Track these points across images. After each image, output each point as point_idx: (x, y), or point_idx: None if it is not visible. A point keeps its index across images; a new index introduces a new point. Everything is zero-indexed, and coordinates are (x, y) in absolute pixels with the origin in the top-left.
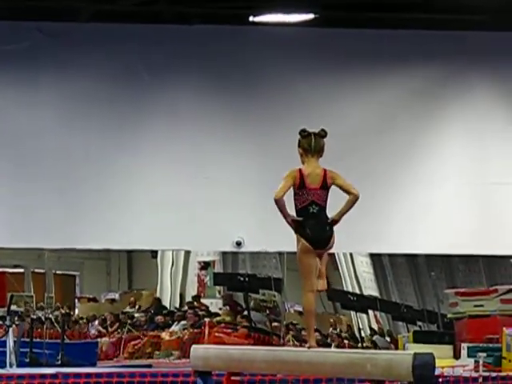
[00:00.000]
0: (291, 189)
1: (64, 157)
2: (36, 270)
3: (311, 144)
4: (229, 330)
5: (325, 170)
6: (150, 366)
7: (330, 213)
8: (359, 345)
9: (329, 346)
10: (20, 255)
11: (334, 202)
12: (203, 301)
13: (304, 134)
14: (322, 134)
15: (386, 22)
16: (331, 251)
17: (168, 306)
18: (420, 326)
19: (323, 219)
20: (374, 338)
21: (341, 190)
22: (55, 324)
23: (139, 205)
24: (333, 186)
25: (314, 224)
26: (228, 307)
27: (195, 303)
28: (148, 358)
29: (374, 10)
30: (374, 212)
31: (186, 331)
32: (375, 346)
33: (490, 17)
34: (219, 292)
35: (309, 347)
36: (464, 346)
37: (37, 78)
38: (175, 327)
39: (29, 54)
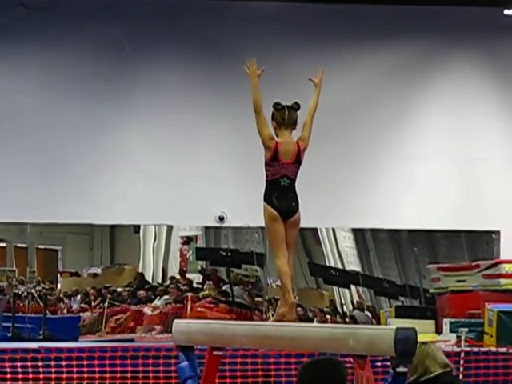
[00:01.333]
0: (263, 160)
1: (47, 131)
2: (18, 245)
3: (284, 117)
4: (211, 305)
5: (297, 144)
6: (132, 340)
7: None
8: (342, 320)
9: (311, 320)
10: (2, 230)
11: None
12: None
13: (278, 107)
14: (296, 107)
15: None
16: (310, 226)
17: (151, 280)
18: (402, 301)
19: (292, 193)
20: (354, 312)
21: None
22: (37, 299)
23: (122, 180)
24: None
25: (282, 196)
26: (211, 282)
27: (180, 278)
28: (130, 332)
29: None
30: (356, 187)
31: (168, 306)
32: (355, 320)
33: None
34: (201, 267)
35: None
36: (446, 321)
37: (19, 52)
38: (157, 302)
39: (11, 29)
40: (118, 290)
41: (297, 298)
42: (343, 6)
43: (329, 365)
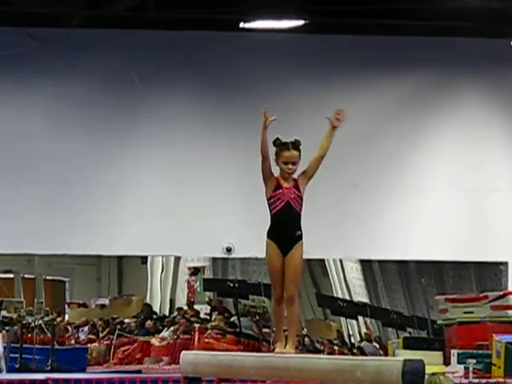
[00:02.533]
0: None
1: (55, 162)
2: (26, 276)
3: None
4: (218, 336)
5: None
6: (139, 371)
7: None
8: (349, 351)
9: (319, 352)
10: (10, 260)
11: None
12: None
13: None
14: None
15: (375, 28)
16: (318, 257)
17: (158, 311)
18: (410, 333)
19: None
20: (362, 344)
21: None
22: (45, 330)
23: (129, 211)
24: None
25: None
26: (217, 313)
27: (188, 309)
28: (138, 363)
29: (362, 16)
30: (364, 218)
31: (175, 337)
32: (362, 352)
33: (476, 23)
34: (209, 298)
35: (275, 352)
36: (454, 352)
37: (27, 83)
38: (165, 333)
39: (19, 60)
40: (126, 321)
41: (305, 330)
42: (350, 37)
43: None
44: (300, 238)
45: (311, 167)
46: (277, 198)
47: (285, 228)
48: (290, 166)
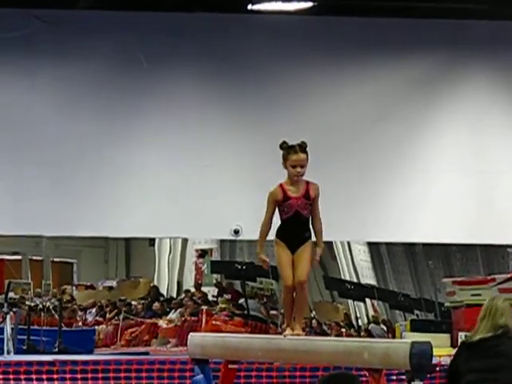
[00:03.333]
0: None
1: (62, 144)
2: (34, 258)
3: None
4: (226, 318)
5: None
6: (147, 353)
7: None
8: (356, 333)
9: (326, 334)
10: (18, 242)
11: None
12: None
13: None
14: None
15: (385, 10)
16: (325, 240)
17: (165, 293)
18: (417, 315)
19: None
20: (370, 326)
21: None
22: (52, 311)
23: (137, 193)
24: None
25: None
26: (229, 295)
27: (195, 291)
28: (145, 345)
29: None
30: (372, 201)
31: (183, 319)
32: (370, 334)
33: (489, 6)
34: (216, 280)
35: (284, 335)
36: (461, 334)
37: (34, 65)
38: (172, 315)
39: (27, 42)
40: (133, 303)
41: (313, 312)
42: (359, 20)
43: (345, 379)
44: (309, 237)
45: (314, 207)
46: (285, 207)
47: (293, 233)
48: (299, 169)
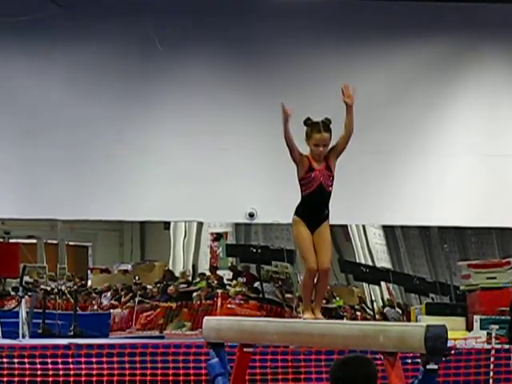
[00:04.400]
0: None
1: (77, 128)
2: (49, 241)
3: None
4: (241, 302)
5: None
6: (162, 337)
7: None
8: (372, 317)
9: (341, 317)
10: (33, 226)
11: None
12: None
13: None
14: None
15: None
16: (340, 223)
17: (180, 277)
18: (432, 298)
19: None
20: (385, 309)
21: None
22: (68, 295)
23: (152, 176)
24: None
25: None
26: (244, 279)
27: (211, 275)
28: (160, 329)
29: None
30: (387, 184)
31: (198, 302)
32: (385, 317)
33: None
34: (232, 263)
35: (304, 318)
36: (476, 318)
37: (50, 49)
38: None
39: (42, 26)
40: (149, 286)
41: (336, 298)
42: (374, 3)
43: (361, 362)
44: (327, 216)
45: (340, 145)
46: (309, 179)
47: (316, 208)
48: (321, 149)
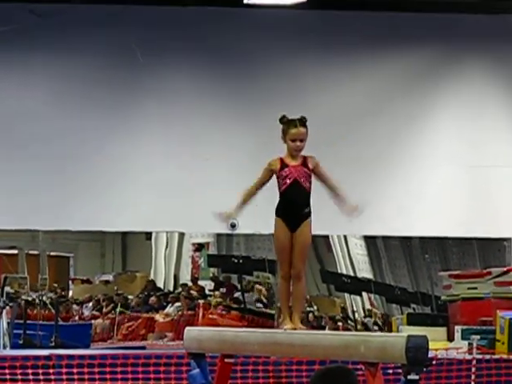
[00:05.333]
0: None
1: (58, 138)
2: (30, 252)
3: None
4: (223, 313)
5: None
6: (143, 347)
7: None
8: (353, 327)
9: (323, 328)
10: (14, 236)
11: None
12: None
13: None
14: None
15: (380, 4)
16: (322, 233)
17: (162, 287)
18: (414, 309)
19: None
20: (366, 320)
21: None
22: (49, 306)
23: (133, 186)
24: None
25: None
26: (225, 289)
27: (192, 285)
28: (142, 339)
29: None
30: (368, 194)
31: (179, 313)
32: (366, 327)
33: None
34: (213, 274)
35: (284, 329)
36: (458, 328)
37: (29, 59)
38: (169, 309)
39: (21, 36)
40: (130, 297)
41: (314, 307)
42: (354, 13)
43: (342, 373)
44: (309, 214)
45: (319, 174)
46: (284, 176)
47: (292, 205)
48: (298, 143)
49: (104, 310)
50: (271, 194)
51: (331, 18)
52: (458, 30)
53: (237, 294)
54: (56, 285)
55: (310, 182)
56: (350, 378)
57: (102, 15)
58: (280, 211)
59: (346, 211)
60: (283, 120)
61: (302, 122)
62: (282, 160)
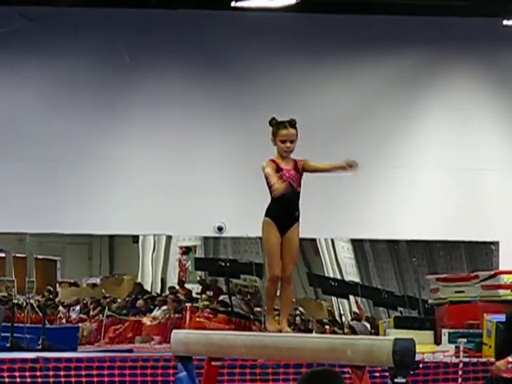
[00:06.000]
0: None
1: (45, 141)
2: (17, 255)
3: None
4: (210, 316)
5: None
6: (130, 350)
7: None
8: (340, 330)
9: (310, 331)
10: (1, 239)
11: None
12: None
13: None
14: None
15: (369, 7)
16: (309, 237)
17: (149, 290)
18: (401, 312)
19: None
20: (352, 322)
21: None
22: (36, 309)
23: (121, 190)
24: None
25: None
26: (212, 292)
27: (179, 288)
28: (129, 342)
29: None
30: (355, 198)
31: (167, 316)
32: (353, 331)
33: (471, 2)
34: (200, 277)
35: (268, 331)
36: (445, 331)
37: (18, 62)
38: (156, 312)
39: (11, 38)
40: (117, 300)
41: (301, 309)
42: (342, 17)
43: (328, 376)
44: (298, 218)
45: (311, 167)
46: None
47: (286, 208)
48: (288, 145)
49: (91, 313)
50: (258, 198)
51: (319, 22)
52: (447, 33)
53: (224, 297)
54: (45, 287)
55: (301, 186)
56: (336, 381)
57: (92, 18)
58: (272, 214)
59: (348, 170)
60: (272, 122)
61: (292, 123)
62: (275, 162)
